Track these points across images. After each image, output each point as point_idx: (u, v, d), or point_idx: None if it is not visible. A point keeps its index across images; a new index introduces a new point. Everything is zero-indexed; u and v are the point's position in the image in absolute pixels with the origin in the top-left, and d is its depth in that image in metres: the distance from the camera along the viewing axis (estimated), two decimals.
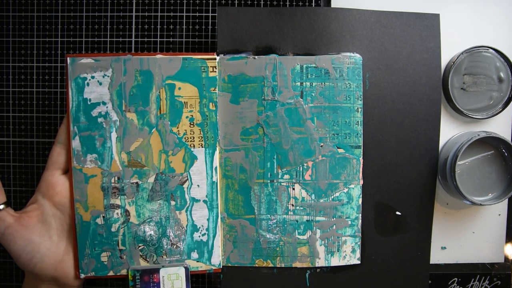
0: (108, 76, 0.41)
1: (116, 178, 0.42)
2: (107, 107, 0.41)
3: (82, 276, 0.42)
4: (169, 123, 0.42)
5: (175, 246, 0.42)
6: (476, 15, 0.45)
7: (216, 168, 0.42)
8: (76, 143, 0.41)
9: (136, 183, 0.42)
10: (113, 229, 0.42)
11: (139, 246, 0.42)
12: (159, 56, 0.41)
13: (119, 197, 0.42)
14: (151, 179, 0.42)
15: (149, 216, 0.42)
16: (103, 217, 0.42)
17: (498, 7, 0.45)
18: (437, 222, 0.45)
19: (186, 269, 0.42)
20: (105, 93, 0.41)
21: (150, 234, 0.42)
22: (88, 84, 0.41)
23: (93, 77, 0.41)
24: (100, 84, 0.41)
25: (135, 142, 0.42)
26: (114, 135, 0.41)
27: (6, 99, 0.47)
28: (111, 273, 0.42)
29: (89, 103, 0.41)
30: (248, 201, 0.43)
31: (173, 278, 0.41)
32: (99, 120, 0.41)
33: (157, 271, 0.41)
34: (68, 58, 0.41)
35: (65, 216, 0.41)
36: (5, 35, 0.47)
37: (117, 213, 0.42)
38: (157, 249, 0.42)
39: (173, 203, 0.42)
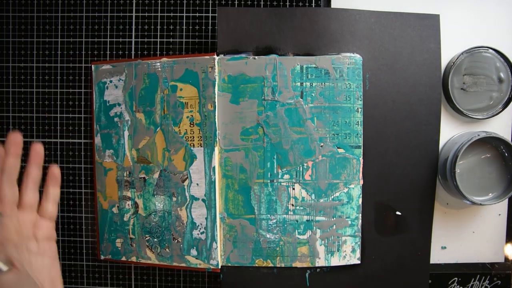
0: (122, 80, 0.45)
1: (127, 173, 0.45)
2: (121, 108, 0.45)
3: (102, 257, 0.46)
4: (172, 122, 0.43)
5: (176, 240, 0.44)
6: (476, 15, 0.45)
7: (214, 167, 0.43)
8: (97, 140, 0.46)
9: (144, 178, 0.44)
10: (125, 219, 0.45)
11: (146, 237, 0.45)
12: (164, 59, 0.43)
13: (130, 190, 0.45)
14: (156, 175, 0.44)
15: (154, 210, 0.44)
16: (118, 207, 0.46)
17: (498, 7, 0.45)
18: (437, 222, 0.45)
19: None
20: (119, 95, 0.45)
21: (155, 226, 0.44)
22: (107, 88, 0.45)
23: (111, 81, 0.45)
24: (116, 87, 0.45)
25: (143, 140, 0.44)
26: (126, 133, 0.45)
27: (6, 99, 0.47)
28: (124, 259, 0.46)
29: (107, 104, 0.45)
30: (248, 201, 0.43)
31: None
32: (115, 119, 0.45)
33: None
34: (92, 66, 0.46)
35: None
36: (5, 35, 0.47)
37: (128, 204, 0.45)
38: (161, 242, 0.44)
39: (174, 199, 0.44)
